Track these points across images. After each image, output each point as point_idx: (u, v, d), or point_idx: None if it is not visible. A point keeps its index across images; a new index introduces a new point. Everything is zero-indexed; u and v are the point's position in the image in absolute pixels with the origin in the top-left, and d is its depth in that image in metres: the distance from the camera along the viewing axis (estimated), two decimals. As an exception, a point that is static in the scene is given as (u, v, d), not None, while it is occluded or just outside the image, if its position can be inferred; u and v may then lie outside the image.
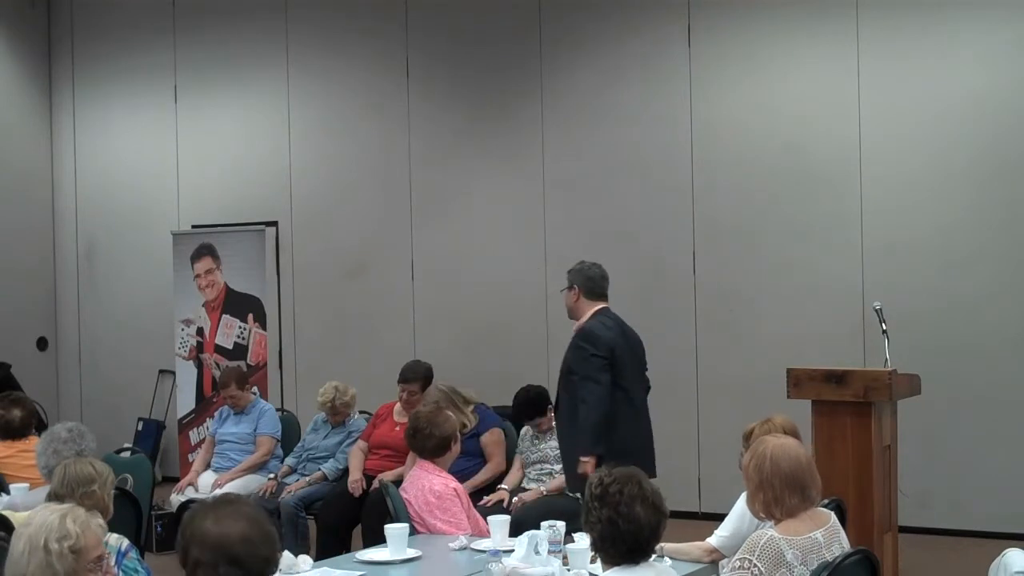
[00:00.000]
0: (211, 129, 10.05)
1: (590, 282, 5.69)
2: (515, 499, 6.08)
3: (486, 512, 5.16)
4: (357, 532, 6.52)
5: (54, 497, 3.87)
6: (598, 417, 5.36)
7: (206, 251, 9.02)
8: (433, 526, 4.70)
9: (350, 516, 6.54)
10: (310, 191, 9.59)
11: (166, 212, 10.12)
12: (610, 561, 3.23)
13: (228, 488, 6.84)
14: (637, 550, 3.19)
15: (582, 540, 4.13)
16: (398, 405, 6.85)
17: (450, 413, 5.13)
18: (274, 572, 2.69)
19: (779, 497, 3.41)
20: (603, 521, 3.17)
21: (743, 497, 4.22)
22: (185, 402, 9.09)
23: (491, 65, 8.91)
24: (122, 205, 10.46)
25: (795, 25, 7.94)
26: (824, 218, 7.79)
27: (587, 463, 5.32)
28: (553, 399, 5.93)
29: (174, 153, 10.18)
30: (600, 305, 5.67)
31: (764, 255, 7.97)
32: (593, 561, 3.98)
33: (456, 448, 4.99)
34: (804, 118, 7.86)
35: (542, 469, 6.25)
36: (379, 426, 6.87)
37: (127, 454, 6.44)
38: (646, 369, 5.83)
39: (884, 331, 5.88)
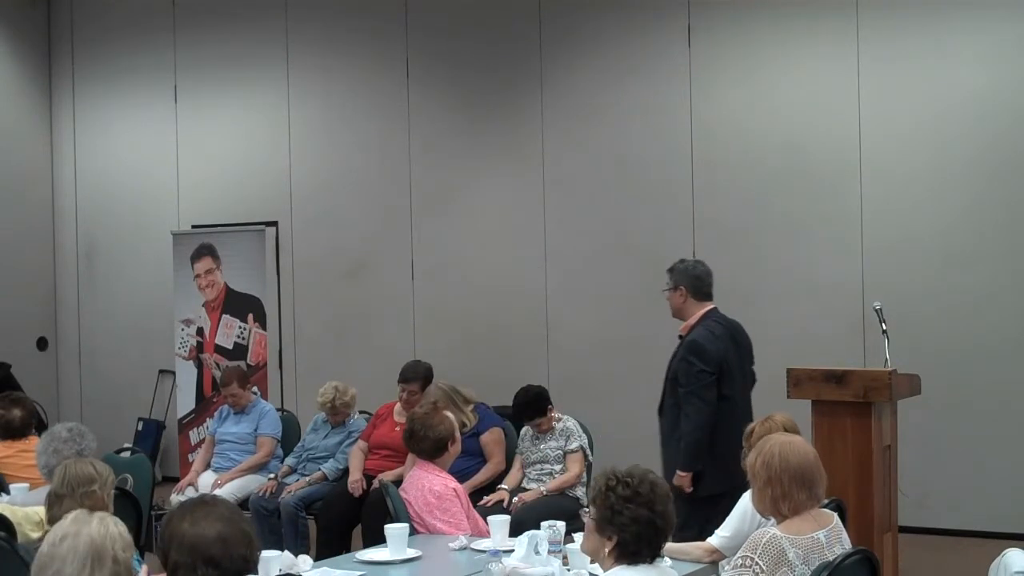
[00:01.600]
0: (211, 129, 10.05)
1: (697, 281, 5.52)
2: (515, 499, 6.07)
3: (486, 512, 5.16)
4: (357, 532, 6.53)
5: (54, 497, 3.88)
6: (700, 435, 5.29)
7: (206, 251, 9.02)
8: (433, 526, 4.70)
9: (350, 516, 6.54)
10: (310, 191, 9.59)
11: (166, 212, 10.12)
12: (629, 561, 3.19)
13: (228, 488, 6.85)
14: (646, 549, 3.19)
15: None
16: (398, 405, 6.85)
17: (448, 413, 5.12)
18: (253, 571, 2.69)
19: (787, 493, 3.41)
20: (640, 521, 3.14)
21: (744, 497, 4.23)
22: (185, 402, 9.09)
23: (491, 65, 8.91)
24: (122, 205, 10.46)
25: (795, 25, 7.94)
26: (824, 218, 7.79)
27: (683, 478, 5.30)
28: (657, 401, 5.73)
29: (174, 153, 10.19)
30: (708, 306, 5.54)
31: (764, 255, 7.97)
32: (593, 561, 3.98)
33: (455, 448, 4.99)
34: (804, 118, 7.86)
35: (542, 469, 6.25)
36: (379, 426, 6.87)
37: (127, 454, 6.44)
38: (753, 364, 5.76)
39: (884, 331, 5.87)
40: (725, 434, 5.28)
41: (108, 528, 2.77)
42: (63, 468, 4.01)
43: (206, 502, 2.71)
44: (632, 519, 3.15)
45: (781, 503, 3.42)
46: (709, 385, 5.32)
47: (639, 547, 3.18)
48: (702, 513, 5.06)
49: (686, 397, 5.32)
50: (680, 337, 5.59)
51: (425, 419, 4.97)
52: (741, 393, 5.60)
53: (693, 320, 5.51)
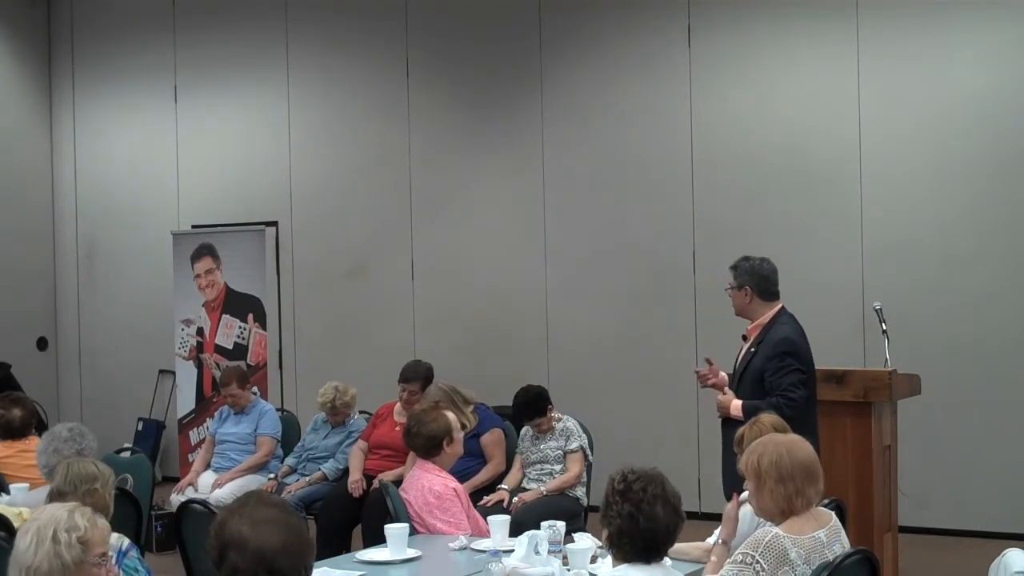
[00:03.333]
0: (211, 129, 10.05)
1: (764, 282, 5.29)
2: (515, 499, 6.07)
3: (486, 512, 5.16)
4: (357, 532, 6.52)
5: (56, 494, 3.88)
6: (790, 415, 4.87)
7: (206, 251, 9.02)
8: (433, 526, 4.70)
9: (350, 516, 6.54)
10: (310, 191, 9.59)
11: (166, 212, 10.12)
12: (622, 557, 3.25)
13: (228, 488, 6.84)
14: (652, 549, 3.21)
15: (582, 540, 4.13)
16: (398, 405, 6.85)
17: (447, 412, 5.11)
18: None
19: (800, 489, 3.43)
20: (623, 516, 3.20)
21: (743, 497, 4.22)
22: (185, 402, 9.09)
23: (491, 64, 8.91)
24: (122, 205, 10.46)
25: (795, 25, 7.94)
26: (824, 218, 7.79)
27: (736, 407, 5.11)
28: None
29: (174, 153, 10.18)
30: (778, 306, 5.31)
31: (764, 255, 7.93)
32: (593, 561, 3.99)
33: (455, 448, 4.97)
34: (804, 118, 7.86)
35: (542, 469, 6.25)
36: (379, 426, 6.87)
37: (127, 454, 6.44)
38: None
39: (884, 331, 5.88)
40: (813, 435, 4.99)
41: (63, 515, 2.96)
42: (66, 466, 4.01)
43: (263, 502, 2.64)
44: (617, 513, 3.21)
45: (795, 499, 3.43)
46: (803, 384, 5.08)
47: (621, 542, 3.22)
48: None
49: (780, 401, 4.98)
50: (744, 337, 5.35)
51: (420, 416, 4.99)
52: (815, 400, 5.33)
53: (765, 319, 5.27)
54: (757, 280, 5.29)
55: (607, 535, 3.27)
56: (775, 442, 3.53)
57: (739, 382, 5.24)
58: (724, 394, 5.23)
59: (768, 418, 4.30)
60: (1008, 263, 7.33)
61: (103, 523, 3.09)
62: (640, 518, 3.18)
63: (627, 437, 7.88)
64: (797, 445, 3.51)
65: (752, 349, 5.24)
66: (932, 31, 7.53)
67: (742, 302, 5.32)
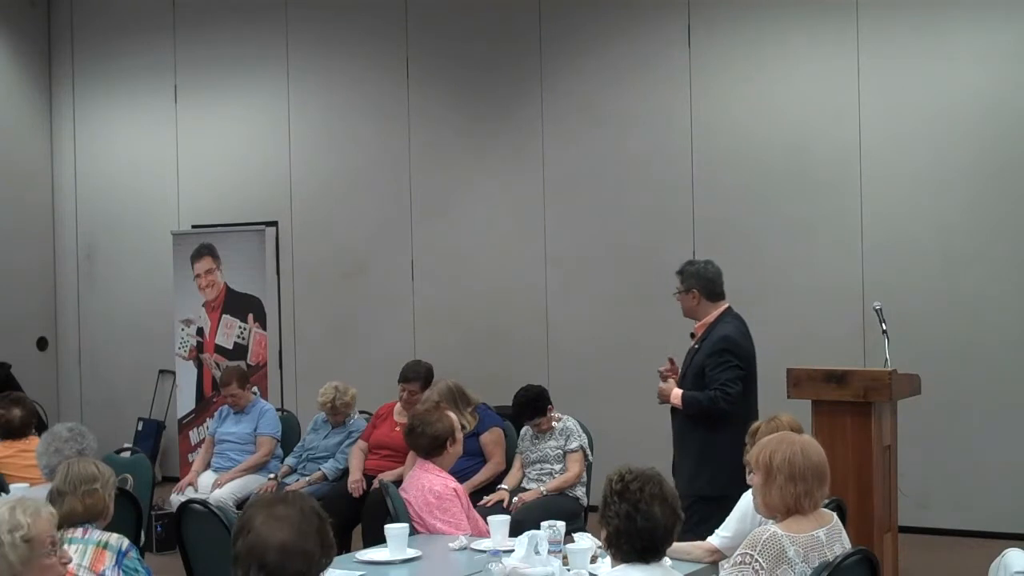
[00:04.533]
0: (211, 129, 10.05)
1: (710, 284, 5.55)
2: (515, 499, 6.07)
3: (486, 512, 5.16)
4: (357, 532, 6.53)
5: (56, 494, 3.89)
6: (717, 410, 5.29)
7: (206, 251, 9.02)
8: (433, 526, 4.70)
9: (350, 516, 6.54)
10: (310, 191, 9.59)
11: (166, 212, 10.12)
12: (621, 557, 3.24)
13: (228, 488, 6.84)
14: (650, 549, 3.21)
15: (582, 540, 4.13)
16: (398, 405, 6.85)
17: (449, 413, 5.12)
18: None
19: (810, 490, 3.43)
20: (620, 516, 3.20)
21: (745, 497, 4.22)
22: (185, 402, 9.09)
23: (491, 65, 8.91)
24: (122, 205, 10.46)
25: (795, 25, 7.94)
26: (824, 218, 7.79)
27: (675, 396, 5.40)
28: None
29: (174, 153, 10.19)
30: (724, 306, 5.58)
31: (764, 255, 7.97)
32: (593, 561, 3.99)
33: (456, 449, 4.97)
34: (804, 118, 7.86)
35: (542, 469, 6.25)
36: (379, 426, 6.87)
37: (127, 454, 6.45)
38: None
39: (884, 331, 5.87)
40: (740, 434, 5.16)
41: (4, 514, 2.98)
42: (66, 466, 4.02)
43: (287, 501, 2.64)
44: (614, 514, 3.21)
45: (803, 500, 3.43)
46: (740, 380, 5.34)
47: (619, 542, 3.22)
48: (716, 513, 5.00)
49: (717, 394, 5.30)
50: (692, 335, 5.60)
51: (424, 416, 4.98)
52: (755, 396, 5.61)
53: (711, 319, 5.52)
54: (703, 283, 5.56)
55: (605, 535, 3.27)
56: (789, 440, 3.52)
57: (683, 376, 5.54)
58: (665, 382, 5.53)
59: (786, 417, 4.34)
60: (1008, 263, 7.33)
61: (47, 512, 3.11)
62: (638, 518, 3.18)
63: (627, 437, 7.87)
64: (811, 446, 3.51)
65: (696, 346, 5.53)
66: (932, 31, 7.53)
67: (690, 304, 5.60)
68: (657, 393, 5.58)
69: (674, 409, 5.55)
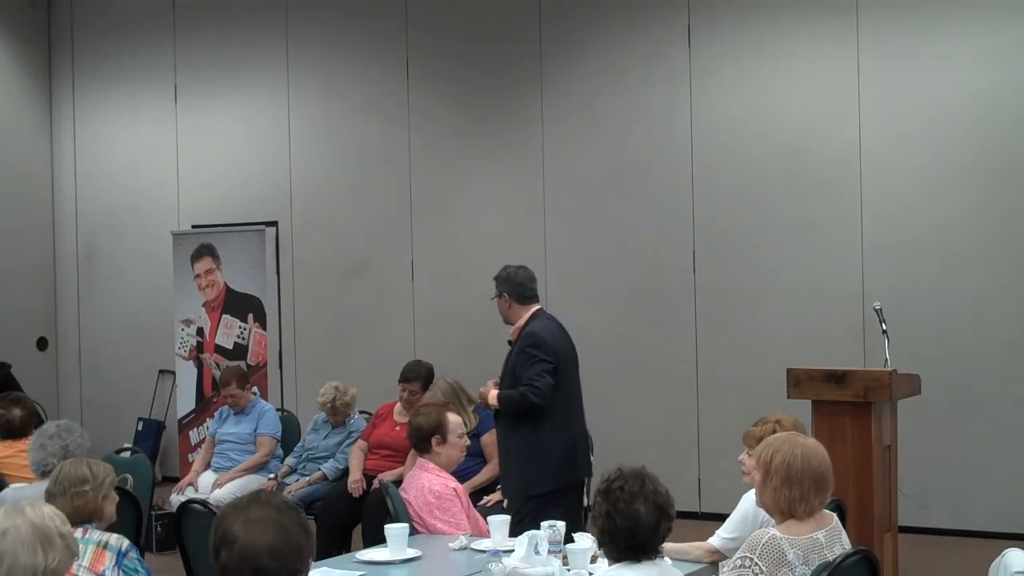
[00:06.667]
0: (211, 129, 10.05)
1: (520, 287, 5.66)
2: (515, 499, 6.06)
3: (486, 512, 5.15)
4: (357, 532, 6.53)
5: (48, 495, 3.88)
6: (528, 405, 5.37)
7: (206, 251, 9.02)
8: (433, 526, 4.70)
9: (350, 516, 6.54)
10: (310, 191, 9.59)
11: (166, 212, 10.12)
12: (612, 557, 3.27)
13: (228, 488, 6.84)
14: (637, 547, 3.21)
15: (582, 540, 4.13)
16: (398, 405, 6.85)
17: (450, 414, 5.08)
18: None
19: (806, 495, 3.41)
20: (602, 516, 3.23)
21: (745, 499, 4.23)
22: (185, 402, 9.09)
23: (491, 64, 8.91)
24: (122, 205, 10.46)
25: (795, 25, 7.94)
26: (824, 218, 7.79)
27: (493, 396, 5.45)
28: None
29: (174, 153, 10.18)
30: (534, 307, 5.67)
31: (764, 255, 7.97)
32: (593, 561, 3.99)
33: (447, 450, 4.88)
34: (804, 118, 7.86)
35: (542, 469, 6.24)
36: (379, 426, 6.87)
37: (127, 454, 6.45)
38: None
39: (884, 331, 5.88)
40: (570, 424, 5.50)
41: (42, 510, 2.93)
42: (59, 467, 4.02)
43: (259, 502, 2.64)
44: (598, 514, 3.24)
45: (798, 505, 3.41)
46: (548, 373, 5.38)
47: (604, 541, 3.26)
48: (548, 509, 4.99)
49: (526, 389, 5.34)
50: (510, 343, 5.66)
51: (418, 408, 5.01)
52: (578, 392, 5.72)
53: (522, 322, 5.60)
54: (512, 287, 5.67)
55: (596, 536, 3.32)
56: (792, 442, 3.50)
57: (501, 381, 5.60)
58: (485, 385, 5.59)
59: (788, 419, 4.33)
60: (1008, 264, 7.33)
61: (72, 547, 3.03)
62: (617, 517, 3.19)
63: (627, 437, 7.88)
64: (813, 451, 3.48)
65: (512, 350, 5.60)
66: (932, 31, 7.53)
67: (504, 309, 5.70)
68: (479, 396, 5.71)
69: (498, 413, 5.61)
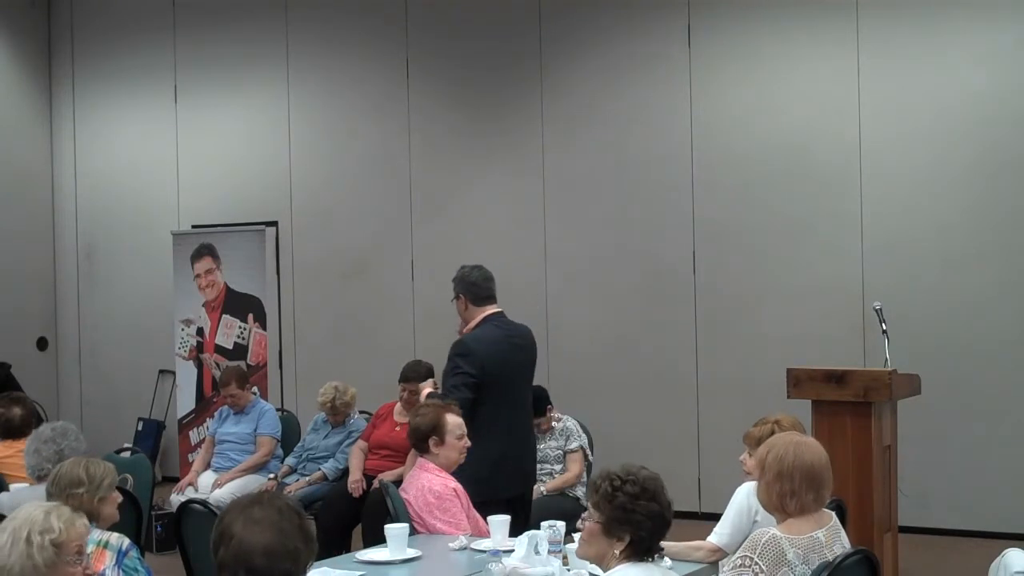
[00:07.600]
0: (211, 129, 10.05)
1: (474, 288, 5.41)
2: (515, 499, 6.06)
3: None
4: (357, 532, 6.52)
5: (48, 496, 3.88)
6: None
7: (206, 251, 9.02)
8: (433, 526, 4.69)
9: (350, 516, 6.54)
10: (310, 191, 9.59)
11: (166, 212, 10.12)
12: (640, 557, 3.20)
13: (228, 488, 6.84)
14: (653, 547, 3.22)
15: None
16: (398, 405, 6.85)
17: (450, 414, 5.05)
18: None
19: (796, 491, 3.40)
20: (653, 516, 3.17)
21: (738, 493, 4.25)
22: (185, 402, 9.09)
23: (491, 64, 8.91)
24: (122, 205, 10.46)
25: (795, 25, 7.94)
26: (824, 218, 7.79)
27: None
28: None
29: (174, 153, 10.18)
30: (490, 310, 5.40)
31: (764, 255, 7.97)
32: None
33: (446, 451, 4.82)
34: (804, 118, 7.86)
35: (542, 469, 6.25)
36: (379, 426, 6.87)
37: (127, 454, 6.45)
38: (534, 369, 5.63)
39: (884, 331, 5.88)
40: (496, 438, 5.14)
41: (39, 516, 3.02)
42: (58, 467, 4.03)
43: (262, 502, 2.64)
44: (646, 515, 3.16)
45: (788, 500, 3.41)
46: (467, 387, 5.13)
47: (652, 543, 3.20)
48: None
49: (444, 396, 5.14)
50: None
51: (418, 407, 4.99)
52: (519, 397, 5.43)
53: (472, 325, 5.38)
54: (467, 287, 5.42)
55: (630, 541, 3.22)
56: (787, 440, 3.51)
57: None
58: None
59: (788, 419, 4.34)
60: (1008, 263, 7.33)
61: (82, 522, 3.13)
62: (665, 512, 3.19)
63: (627, 437, 7.88)
64: (808, 448, 3.47)
65: None
66: (932, 31, 7.53)
67: (461, 311, 5.44)
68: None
69: None
